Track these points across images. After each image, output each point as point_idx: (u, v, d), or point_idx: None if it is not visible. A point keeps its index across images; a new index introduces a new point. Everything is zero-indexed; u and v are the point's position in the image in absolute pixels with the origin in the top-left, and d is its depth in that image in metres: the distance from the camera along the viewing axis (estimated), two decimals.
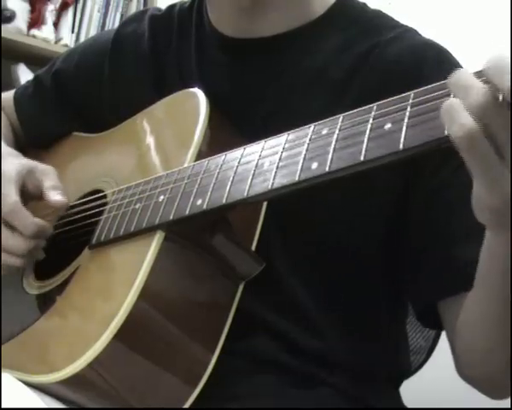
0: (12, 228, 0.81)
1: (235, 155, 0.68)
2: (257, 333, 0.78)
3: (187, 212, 0.68)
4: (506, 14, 1.72)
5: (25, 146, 1.04)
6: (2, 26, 2.08)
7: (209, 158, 0.71)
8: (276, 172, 0.61)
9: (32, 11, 2.19)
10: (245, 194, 0.63)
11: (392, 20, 0.87)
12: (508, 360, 0.70)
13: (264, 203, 0.77)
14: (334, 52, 0.83)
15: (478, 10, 1.87)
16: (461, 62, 0.83)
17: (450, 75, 0.51)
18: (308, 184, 0.59)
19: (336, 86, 0.80)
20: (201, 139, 0.76)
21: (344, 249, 0.78)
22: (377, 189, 0.77)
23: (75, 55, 1.03)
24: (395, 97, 0.56)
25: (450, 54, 0.82)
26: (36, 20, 2.18)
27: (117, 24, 2.04)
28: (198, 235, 0.71)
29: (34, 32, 2.18)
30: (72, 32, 2.27)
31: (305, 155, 0.60)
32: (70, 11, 2.27)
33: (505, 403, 1.54)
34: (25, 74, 2.11)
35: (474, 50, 1.74)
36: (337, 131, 0.59)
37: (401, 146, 0.53)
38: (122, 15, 2.32)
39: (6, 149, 0.95)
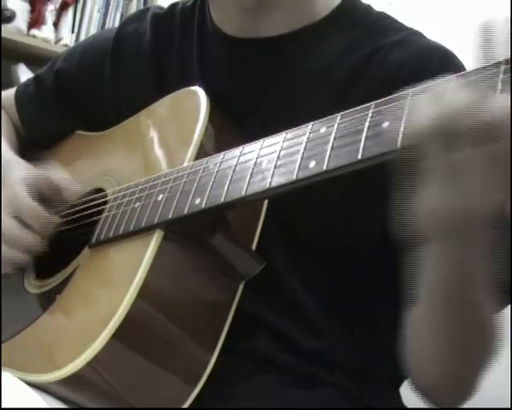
0: (24, 225, 0.82)
1: (233, 153, 0.68)
2: (257, 333, 0.78)
3: (185, 211, 0.68)
4: (506, 13, 1.72)
5: (27, 145, 1.04)
6: (2, 26, 2.08)
7: (208, 157, 0.71)
8: (274, 171, 0.61)
9: (32, 11, 2.19)
10: (243, 193, 0.63)
11: (396, 22, 0.87)
12: (457, 372, 0.71)
13: (265, 202, 0.77)
14: (337, 53, 0.83)
15: (478, 10, 1.87)
16: (461, 62, 0.83)
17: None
18: (306, 183, 0.59)
19: (339, 87, 0.80)
20: (201, 137, 0.76)
21: (343, 248, 0.78)
22: (375, 187, 0.77)
23: (76, 55, 1.03)
24: (393, 96, 0.56)
25: (456, 56, 0.82)
26: (36, 20, 2.18)
27: (117, 24, 2.04)
28: (197, 234, 0.71)
29: (34, 32, 2.18)
30: (72, 32, 2.27)
31: (302, 153, 0.60)
32: (70, 11, 2.27)
33: (505, 403, 1.54)
34: (25, 74, 2.11)
35: (473, 50, 1.74)
36: (335, 130, 0.59)
37: (399, 144, 0.53)
38: (122, 15, 2.32)
39: (11, 154, 0.96)
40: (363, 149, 0.55)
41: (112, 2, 2.34)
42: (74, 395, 0.70)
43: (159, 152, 0.83)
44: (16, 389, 0.67)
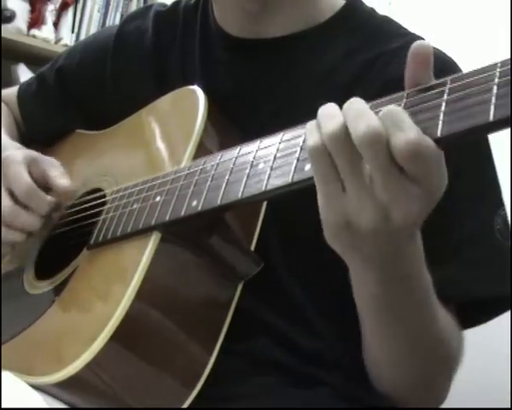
0: (25, 207, 0.83)
1: (231, 154, 0.68)
2: (255, 333, 0.78)
3: (182, 213, 0.68)
4: (506, 13, 1.72)
5: (28, 142, 1.04)
6: (2, 26, 2.08)
7: (205, 158, 0.71)
8: (270, 173, 0.61)
9: (32, 11, 2.19)
10: (239, 195, 0.63)
11: (399, 27, 0.87)
12: (416, 375, 0.73)
13: (264, 202, 0.77)
14: (340, 56, 0.83)
15: (478, 10, 1.87)
16: (460, 61, 0.82)
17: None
18: (302, 186, 0.59)
19: (341, 90, 0.80)
20: (199, 137, 0.76)
21: None
22: None
23: (77, 52, 1.03)
24: (388, 97, 0.56)
25: (456, 64, 0.82)
26: (36, 20, 2.18)
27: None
28: (195, 235, 0.71)
29: (34, 32, 2.18)
30: (72, 32, 2.27)
31: (298, 156, 0.60)
32: (70, 11, 2.27)
33: (505, 403, 1.54)
34: (25, 74, 2.11)
35: (473, 50, 1.74)
36: None
37: None
38: (122, 15, 2.32)
39: (10, 141, 0.96)
40: None
41: (112, 2, 2.34)
42: (73, 396, 0.70)
43: (157, 152, 0.83)
44: (16, 388, 0.67)
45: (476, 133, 0.49)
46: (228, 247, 0.73)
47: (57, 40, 2.24)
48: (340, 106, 0.77)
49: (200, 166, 0.70)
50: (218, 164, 0.68)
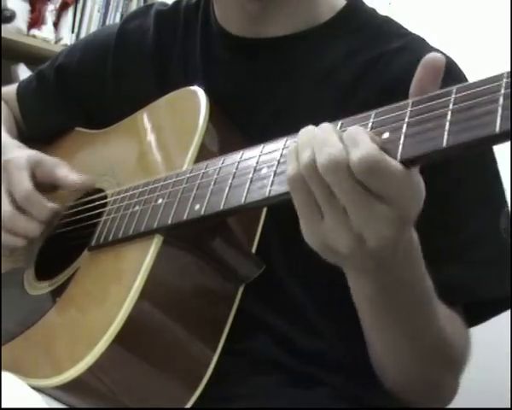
0: (25, 212, 0.82)
1: (233, 158, 0.68)
2: (256, 334, 0.78)
3: (185, 217, 0.68)
4: (506, 13, 1.72)
5: (28, 140, 1.04)
6: (2, 26, 2.08)
7: (208, 161, 0.71)
8: (273, 179, 0.61)
9: (32, 11, 2.19)
10: (242, 200, 0.63)
11: (400, 27, 0.87)
12: (419, 374, 0.74)
13: None
14: (342, 55, 0.83)
15: (478, 10, 1.87)
16: (460, 61, 0.82)
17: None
18: None
19: (343, 90, 0.80)
20: (201, 139, 0.76)
21: None
22: None
23: (77, 50, 1.03)
24: (392, 105, 0.55)
25: (457, 65, 0.82)
26: (36, 20, 2.18)
27: None
28: (197, 238, 0.71)
29: (34, 32, 2.18)
30: (72, 32, 2.27)
31: None
32: (70, 11, 2.27)
33: (505, 403, 1.55)
34: (25, 74, 2.10)
35: (474, 50, 1.74)
36: None
37: (399, 155, 0.52)
38: (122, 15, 2.32)
39: (11, 140, 0.96)
40: None
41: (112, 2, 2.33)
42: (74, 399, 0.70)
43: (159, 153, 0.83)
44: (16, 388, 0.67)
45: (481, 145, 0.49)
46: (230, 250, 0.73)
47: (57, 40, 2.24)
48: (341, 106, 0.78)
49: (203, 170, 0.70)
50: (220, 168, 0.68)
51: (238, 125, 0.83)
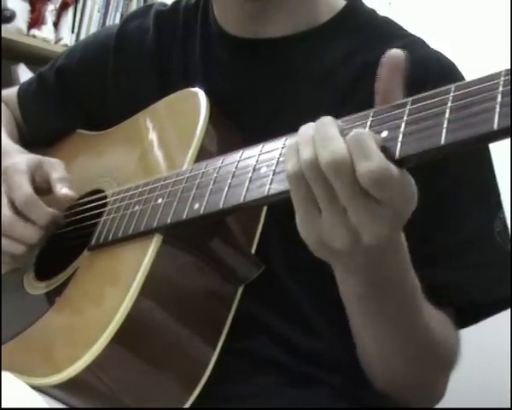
0: (24, 218, 0.82)
1: (232, 158, 0.68)
2: (256, 334, 0.78)
3: (184, 216, 0.68)
4: (506, 13, 1.72)
5: (29, 144, 1.04)
6: (2, 26, 2.08)
7: (207, 161, 0.71)
8: (272, 177, 0.61)
9: (32, 11, 2.19)
10: (241, 199, 0.63)
11: (400, 28, 0.87)
12: (407, 373, 0.74)
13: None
14: (341, 56, 0.83)
15: (478, 10, 1.87)
16: (460, 61, 0.82)
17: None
18: None
19: (342, 91, 0.80)
20: (201, 140, 0.76)
21: None
22: None
23: (77, 52, 1.03)
24: (391, 104, 0.56)
25: (456, 68, 0.82)
26: (36, 20, 2.18)
27: None
28: (196, 238, 0.71)
29: (34, 32, 2.18)
30: (72, 32, 2.27)
31: None
32: (70, 11, 2.27)
33: (505, 403, 1.55)
34: (25, 74, 2.11)
35: (474, 51, 1.74)
36: None
37: (397, 154, 0.52)
38: (122, 15, 2.32)
39: (11, 144, 0.96)
40: None
41: (112, 2, 2.34)
42: (73, 398, 0.70)
43: (159, 154, 0.83)
44: (16, 388, 0.67)
45: (479, 142, 0.49)
46: (229, 250, 0.73)
47: (57, 40, 2.24)
48: (340, 107, 0.78)
49: (202, 170, 0.70)
50: (220, 167, 0.68)
51: (237, 125, 0.83)
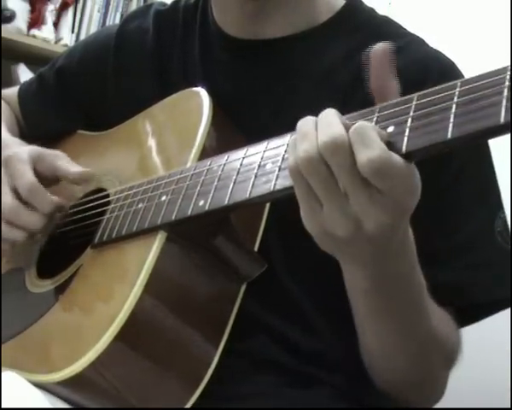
0: (28, 205, 0.82)
1: (237, 155, 0.68)
2: (256, 334, 0.78)
3: (189, 212, 0.68)
4: (506, 13, 1.72)
5: (29, 142, 1.04)
6: (2, 26, 2.08)
7: (211, 158, 0.71)
8: (278, 173, 0.61)
9: (32, 11, 2.19)
10: (247, 195, 0.63)
11: (399, 27, 0.87)
12: (408, 370, 0.74)
13: (267, 203, 0.77)
14: (340, 56, 0.83)
15: (478, 10, 1.87)
16: (459, 60, 0.83)
17: None
18: None
19: (342, 90, 0.80)
20: (204, 139, 0.76)
21: None
22: None
23: (77, 52, 1.03)
24: (396, 100, 0.56)
25: (455, 67, 0.82)
26: (36, 20, 2.18)
27: None
28: (200, 235, 0.71)
29: (34, 32, 2.18)
30: (72, 32, 2.27)
31: None
32: (70, 11, 2.27)
33: (505, 403, 1.55)
34: (25, 74, 2.11)
35: (474, 50, 1.74)
36: None
37: (404, 148, 0.53)
38: (122, 15, 2.32)
39: (11, 137, 0.96)
40: None
41: (112, 2, 2.34)
42: (77, 395, 0.70)
43: (161, 153, 0.84)
44: (17, 388, 0.67)
45: (486, 136, 0.50)
46: (233, 247, 0.73)
47: (57, 40, 2.24)
48: (341, 106, 0.78)
49: (207, 167, 0.70)
50: (224, 164, 0.68)
51: (237, 126, 0.83)
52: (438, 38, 0.94)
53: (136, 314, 0.66)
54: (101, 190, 0.86)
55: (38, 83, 1.07)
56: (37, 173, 0.85)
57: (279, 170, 0.61)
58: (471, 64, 0.90)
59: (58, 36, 2.25)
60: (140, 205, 0.75)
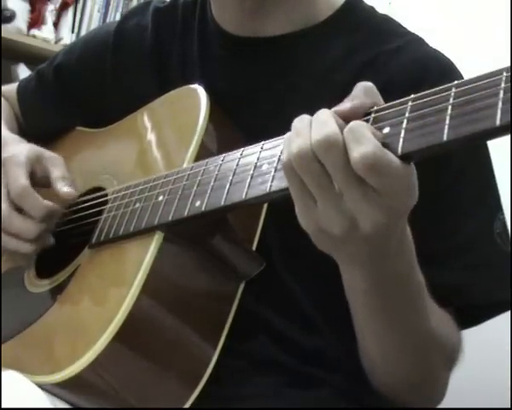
0: (21, 212, 0.81)
1: (233, 155, 0.68)
2: (256, 333, 0.78)
3: (186, 213, 0.68)
4: (506, 13, 1.72)
5: (28, 139, 1.04)
6: (2, 26, 2.08)
7: (208, 159, 0.71)
8: (274, 174, 0.61)
9: (32, 11, 2.19)
10: (243, 196, 0.63)
11: (399, 26, 0.87)
12: (408, 372, 0.74)
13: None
14: (340, 55, 0.83)
15: (478, 10, 1.87)
16: (459, 60, 0.82)
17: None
18: None
19: (341, 89, 0.80)
20: (201, 137, 0.76)
21: None
22: None
23: (76, 49, 1.03)
24: (393, 102, 0.56)
25: (454, 67, 0.82)
26: (36, 20, 2.18)
27: None
28: (198, 235, 0.71)
29: (34, 32, 2.18)
30: (72, 32, 2.27)
31: None
32: (70, 11, 2.27)
33: (505, 403, 1.55)
34: (25, 74, 2.10)
35: (473, 50, 1.74)
36: None
37: (400, 150, 0.53)
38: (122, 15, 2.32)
39: (11, 135, 0.96)
40: None
41: (112, 2, 2.34)
42: (75, 396, 0.70)
43: (159, 151, 0.83)
44: (17, 388, 0.67)
45: (481, 138, 0.50)
46: (230, 247, 0.73)
47: (57, 40, 2.24)
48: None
49: (203, 167, 0.70)
50: (220, 165, 0.68)
51: (237, 124, 0.83)
52: (438, 38, 0.93)
53: (133, 315, 0.66)
54: (98, 188, 0.86)
55: (37, 79, 1.07)
56: (34, 175, 0.85)
57: (275, 171, 0.61)
58: (470, 64, 0.89)
59: (58, 36, 2.25)
60: (137, 205, 0.75)
